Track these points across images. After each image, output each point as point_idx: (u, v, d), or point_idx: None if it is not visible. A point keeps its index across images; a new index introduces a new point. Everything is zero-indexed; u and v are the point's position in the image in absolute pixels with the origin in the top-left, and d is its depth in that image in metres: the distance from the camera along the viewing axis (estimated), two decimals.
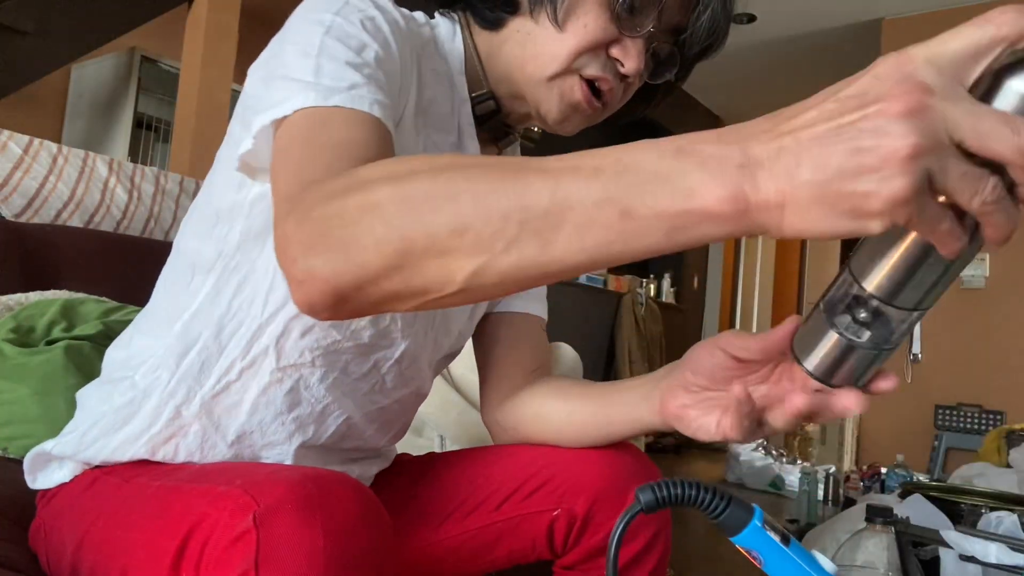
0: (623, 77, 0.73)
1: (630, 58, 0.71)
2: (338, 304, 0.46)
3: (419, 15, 0.76)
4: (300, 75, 0.58)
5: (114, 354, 0.80)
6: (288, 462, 0.74)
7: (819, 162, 0.35)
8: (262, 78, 0.63)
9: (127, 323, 1.22)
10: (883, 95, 0.34)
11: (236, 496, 0.54)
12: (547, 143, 4.79)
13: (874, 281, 0.42)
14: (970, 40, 0.35)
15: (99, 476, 0.71)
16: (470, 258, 0.42)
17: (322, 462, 0.76)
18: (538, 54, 0.72)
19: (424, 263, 0.43)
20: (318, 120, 0.56)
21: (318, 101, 0.56)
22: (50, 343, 1.14)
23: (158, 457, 0.70)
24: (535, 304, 0.92)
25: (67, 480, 0.73)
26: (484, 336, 0.91)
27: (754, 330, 7.45)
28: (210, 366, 0.69)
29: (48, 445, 0.74)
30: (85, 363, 1.11)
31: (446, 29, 0.76)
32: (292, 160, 0.54)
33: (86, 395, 0.79)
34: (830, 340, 0.48)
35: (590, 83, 0.72)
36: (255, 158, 0.62)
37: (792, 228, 0.36)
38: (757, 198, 0.36)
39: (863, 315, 0.45)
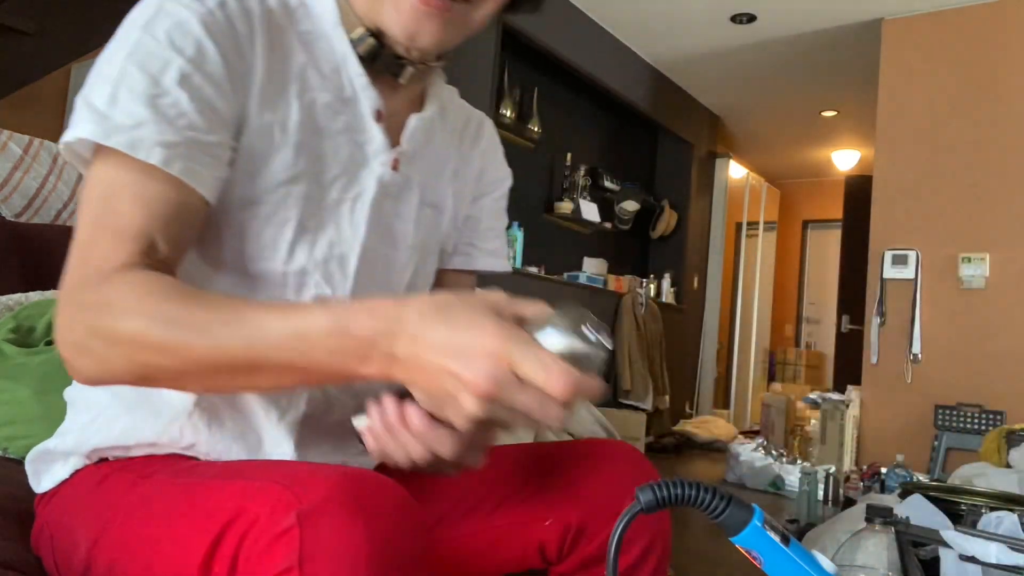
0: None
1: None
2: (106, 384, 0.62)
3: None
4: (96, 100, 0.61)
5: None
6: (289, 439, 0.72)
7: (426, 386, 0.54)
8: (94, 67, 0.63)
9: None
10: (467, 382, 0.50)
11: (276, 492, 0.54)
12: (548, 139, 4.76)
13: None
14: None
15: (109, 473, 0.70)
16: (196, 387, 0.63)
17: (324, 445, 0.74)
18: None
19: (163, 385, 0.62)
20: (107, 186, 0.61)
21: (98, 136, 0.60)
22: (50, 343, 1.14)
23: (164, 440, 0.70)
24: (487, 259, 0.90)
25: (68, 476, 0.72)
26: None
27: (754, 330, 7.31)
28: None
29: (51, 443, 0.74)
30: None
31: None
32: (82, 231, 0.62)
33: (75, 392, 0.77)
34: None
35: None
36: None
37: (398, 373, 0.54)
38: (392, 364, 0.54)
39: None
